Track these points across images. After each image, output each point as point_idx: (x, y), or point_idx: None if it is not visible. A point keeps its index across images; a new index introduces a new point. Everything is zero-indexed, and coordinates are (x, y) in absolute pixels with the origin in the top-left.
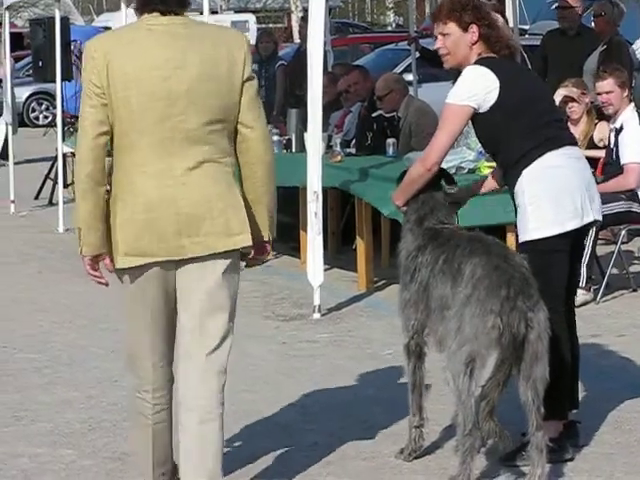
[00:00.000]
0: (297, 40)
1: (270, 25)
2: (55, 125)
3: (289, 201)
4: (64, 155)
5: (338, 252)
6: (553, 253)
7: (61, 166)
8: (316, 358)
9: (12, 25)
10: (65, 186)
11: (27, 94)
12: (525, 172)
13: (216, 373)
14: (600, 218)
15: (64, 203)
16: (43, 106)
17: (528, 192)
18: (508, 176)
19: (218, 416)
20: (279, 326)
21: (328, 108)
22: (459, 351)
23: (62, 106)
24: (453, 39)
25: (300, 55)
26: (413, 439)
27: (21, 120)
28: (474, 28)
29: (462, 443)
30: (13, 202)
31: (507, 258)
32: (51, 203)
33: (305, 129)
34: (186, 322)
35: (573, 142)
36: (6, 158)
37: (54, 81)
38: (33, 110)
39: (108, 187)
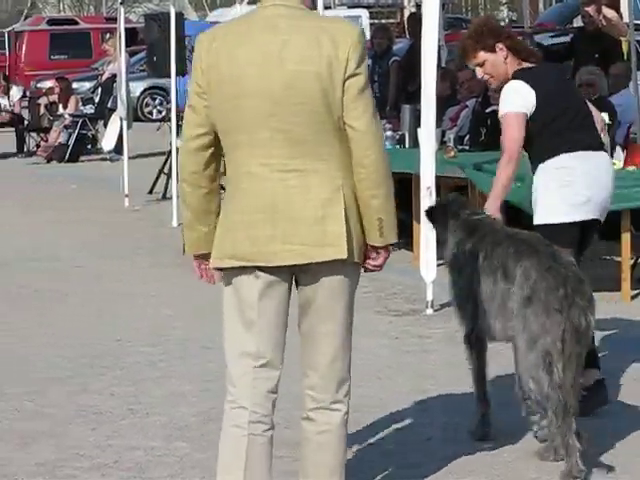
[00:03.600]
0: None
1: (383, 21)
2: (169, 120)
3: (402, 196)
4: (178, 149)
5: None
6: (551, 238)
7: (175, 160)
8: (429, 353)
9: (126, 20)
10: (179, 181)
11: (141, 89)
12: (540, 167)
13: (334, 383)
14: (598, 218)
15: (177, 197)
16: (157, 101)
17: (539, 185)
18: (532, 169)
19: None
20: (392, 321)
21: (442, 103)
22: (532, 349)
23: (176, 101)
24: (489, 63)
25: (413, 51)
26: (479, 424)
27: (135, 115)
28: (500, 45)
29: (561, 435)
30: (127, 196)
31: (556, 258)
32: (165, 197)
33: (418, 125)
34: (302, 331)
35: (595, 146)
36: (120, 152)
37: (168, 76)
38: (147, 105)
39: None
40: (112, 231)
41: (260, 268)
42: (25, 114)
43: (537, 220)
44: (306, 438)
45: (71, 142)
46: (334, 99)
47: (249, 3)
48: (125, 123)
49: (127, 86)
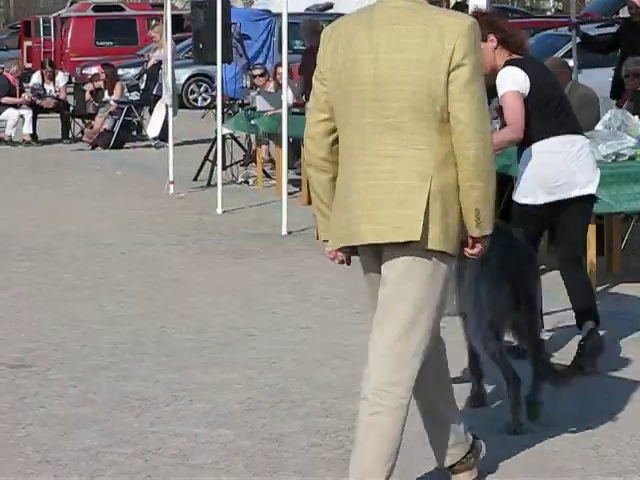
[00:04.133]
0: None
1: None
2: (214, 107)
3: None
4: (223, 137)
5: None
6: (525, 215)
7: (220, 148)
8: None
9: (172, 7)
10: (224, 168)
11: (186, 76)
12: (525, 150)
13: (392, 365)
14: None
15: (222, 185)
16: (202, 88)
17: (522, 166)
18: (518, 152)
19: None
20: None
21: (487, 93)
22: (483, 320)
23: (221, 88)
24: None
25: None
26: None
27: (180, 102)
28: (492, 36)
29: (511, 396)
30: (172, 183)
31: (507, 235)
32: (209, 184)
33: None
34: (377, 310)
35: (577, 131)
36: (166, 140)
37: (214, 63)
38: (192, 92)
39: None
40: (157, 218)
41: (364, 249)
42: (70, 100)
43: (515, 197)
44: (358, 419)
45: (116, 129)
46: (438, 90)
47: None
48: (170, 110)
49: (173, 73)
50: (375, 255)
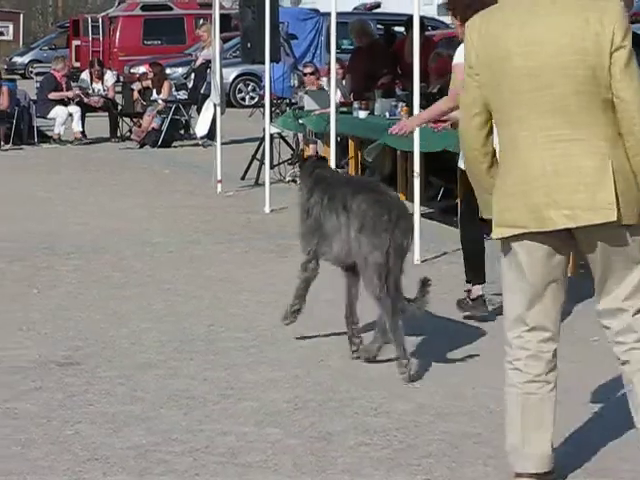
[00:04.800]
0: None
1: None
2: (261, 106)
3: None
4: (271, 136)
5: None
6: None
7: (268, 147)
8: None
9: (220, 6)
10: (271, 167)
11: (234, 75)
12: None
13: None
14: None
15: (270, 184)
16: (249, 87)
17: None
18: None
19: None
20: None
21: None
22: (367, 264)
23: (270, 87)
24: (459, 27)
25: None
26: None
27: (228, 101)
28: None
29: (392, 329)
30: (220, 182)
31: (384, 193)
32: (257, 183)
33: None
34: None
35: None
36: (213, 138)
37: (262, 62)
38: (240, 91)
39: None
40: (204, 217)
41: (536, 235)
42: (118, 99)
43: (460, 164)
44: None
45: (164, 127)
46: (602, 71)
47: None
48: (218, 109)
49: (221, 72)
50: (559, 241)
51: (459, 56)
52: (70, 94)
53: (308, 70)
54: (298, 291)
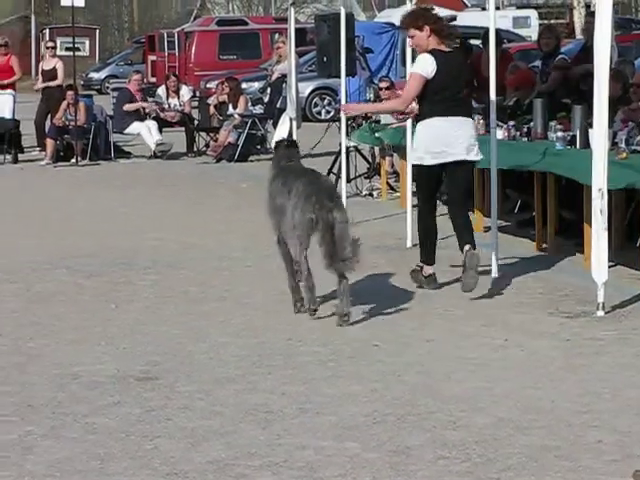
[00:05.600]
0: (579, 36)
1: (552, 21)
2: (337, 120)
3: (571, 196)
4: (347, 149)
5: (621, 249)
6: (420, 174)
7: (344, 160)
8: (600, 355)
9: (295, 21)
10: (348, 180)
11: (310, 89)
12: (419, 124)
13: None
14: (464, 158)
15: (347, 197)
16: (325, 101)
17: (415, 136)
18: (413, 124)
19: None
20: (563, 323)
21: (613, 104)
22: (293, 236)
23: (346, 101)
24: (416, 37)
25: (585, 51)
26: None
27: (304, 115)
28: (426, 27)
29: (306, 286)
30: None
31: (318, 178)
32: None
33: (590, 125)
34: None
35: (459, 114)
36: None
37: (338, 76)
38: (315, 105)
39: None
40: None
41: None
42: (195, 114)
43: (411, 161)
44: None
45: (240, 142)
46: None
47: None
48: (294, 123)
49: (296, 86)
50: None
51: (415, 66)
52: (145, 105)
53: (384, 85)
54: (288, 268)
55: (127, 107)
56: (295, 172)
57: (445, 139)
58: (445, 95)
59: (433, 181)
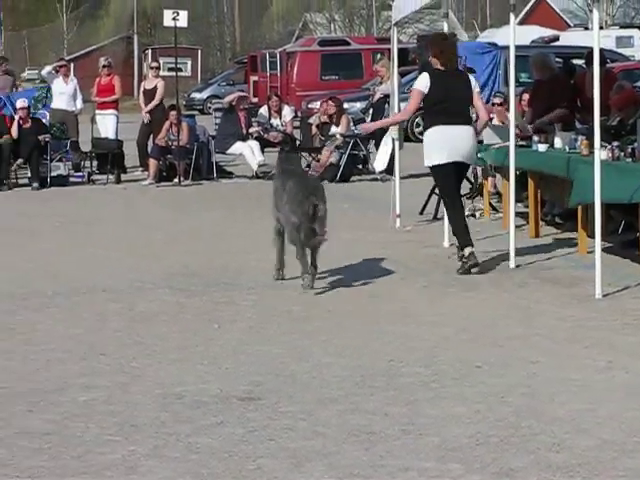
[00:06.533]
0: None
1: None
2: None
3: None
4: None
5: None
6: (437, 173)
7: None
8: None
9: (398, 41)
10: None
11: None
12: (425, 134)
13: None
14: (464, 161)
15: (448, 218)
16: None
17: (424, 145)
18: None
19: None
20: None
21: None
22: (290, 224)
23: None
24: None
25: None
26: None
27: (406, 136)
28: (431, 52)
29: (301, 263)
30: (399, 216)
31: (307, 179)
32: (435, 218)
33: None
34: None
35: (458, 123)
36: (392, 173)
37: None
38: (418, 125)
39: None
40: (384, 251)
41: None
42: (297, 134)
43: (426, 164)
44: None
45: (342, 162)
46: None
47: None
48: (397, 144)
49: (399, 106)
50: None
51: (416, 83)
52: (252, 130)
53: (497, 100)
54: (278, 254)
55: (227, 99)
56: (291, 173)
57: (451, 142)
58: (444, 107)
59: (451, 177)
